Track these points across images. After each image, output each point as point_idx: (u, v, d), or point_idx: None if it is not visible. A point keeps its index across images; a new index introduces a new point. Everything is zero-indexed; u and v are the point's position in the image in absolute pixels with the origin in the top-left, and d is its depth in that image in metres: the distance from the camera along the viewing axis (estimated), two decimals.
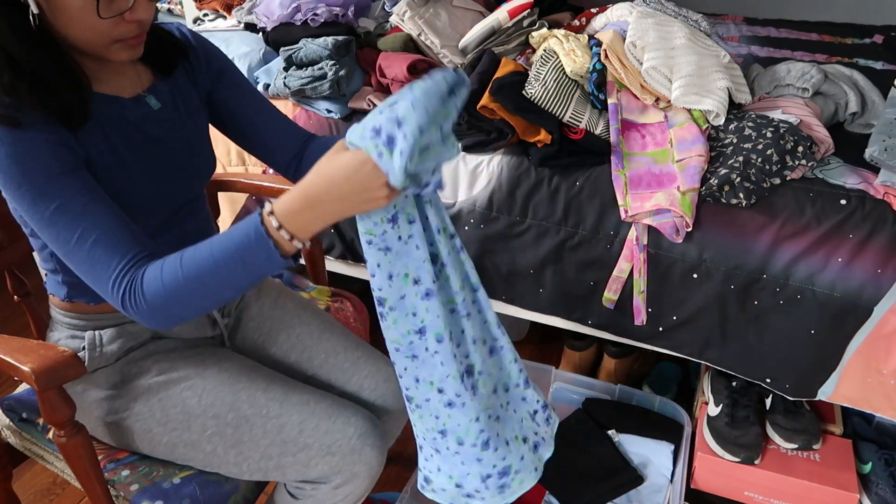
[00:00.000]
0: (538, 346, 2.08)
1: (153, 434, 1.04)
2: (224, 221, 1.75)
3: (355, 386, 1.18)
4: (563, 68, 1.45)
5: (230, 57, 1.67)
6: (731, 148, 1.38)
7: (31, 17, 0.83)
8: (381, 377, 1.18)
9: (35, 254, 1.10)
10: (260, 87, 1.65)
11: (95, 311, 1.05)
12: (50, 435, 1.12)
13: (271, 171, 1.66)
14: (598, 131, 1.42)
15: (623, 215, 1.37)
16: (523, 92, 1.41)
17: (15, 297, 1.28)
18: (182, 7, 2.22)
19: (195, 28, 1.90)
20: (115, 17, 0.86)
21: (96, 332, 1.05)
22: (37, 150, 0.85)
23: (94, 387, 1.04)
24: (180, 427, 1.03)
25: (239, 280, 0.85)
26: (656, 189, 1.37)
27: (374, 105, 1.57)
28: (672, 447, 1.52)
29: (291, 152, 1.16)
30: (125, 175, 0.96)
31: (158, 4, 2.36)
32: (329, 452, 1.02)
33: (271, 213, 0.82)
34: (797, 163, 1.33)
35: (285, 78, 1.58)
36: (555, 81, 1.41)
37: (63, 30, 0.86)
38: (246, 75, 1.66)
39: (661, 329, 1.44)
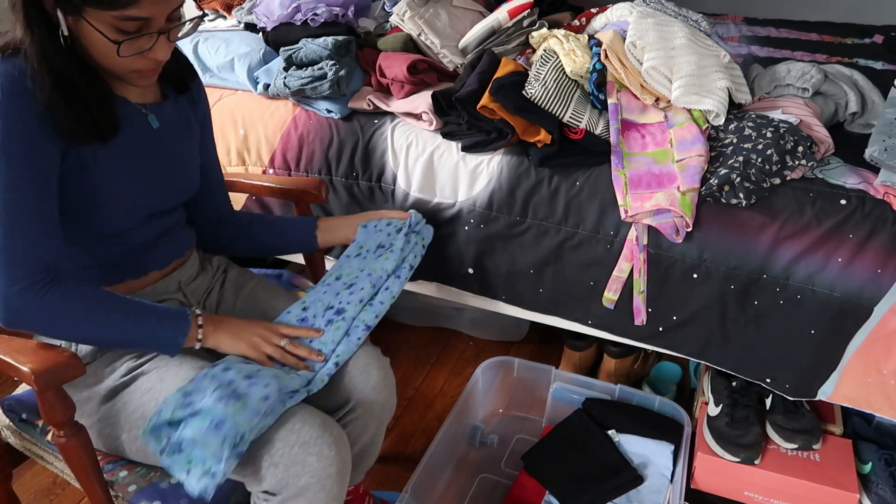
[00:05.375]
0: (538, 346, 2.08)
1: (120, 439, 1.05)
2: None
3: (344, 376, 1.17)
4: (563, 68, 1.45)
5: (230, 57, 1.69)
6: (731, 148, 1.37)
7: (61, 38, 0.92)
8: (373, 367, 1.18)
9: None
10: (260, 87, 1.65)
11: None
12: (49, 437, 1.12)
13: (271, 170, 1.66)
14: (598, 131, 1.42)
15: (623, 215, 1.37)
16: (523, 92, 1.40)
17: None
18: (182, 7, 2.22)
19: None
20: (134, 54, 0.95)
21: None
22: (27, 123, 0.91)
23: (73, 389, 1.04)
24: (138, 430, 1.02)
25: (124, 338, 1.00)
26: (656, 189, 1.37)
27: (374, 105, 1.57)
28: (672, 447, 1.52)
29: (215, 214, 1.32)
30: (109, 176, 1.02)
31: None
32: (273, 463, 0.98)
33: (199, 315, 1.06)
34: (797, 163, 1.33)
35: (285, 78, 1.58)
36: (555, 81, 1.41)
37: (87, 53, 0.96)
38: (246, 75, 1.68)
39: (661, 329, 1.44)
